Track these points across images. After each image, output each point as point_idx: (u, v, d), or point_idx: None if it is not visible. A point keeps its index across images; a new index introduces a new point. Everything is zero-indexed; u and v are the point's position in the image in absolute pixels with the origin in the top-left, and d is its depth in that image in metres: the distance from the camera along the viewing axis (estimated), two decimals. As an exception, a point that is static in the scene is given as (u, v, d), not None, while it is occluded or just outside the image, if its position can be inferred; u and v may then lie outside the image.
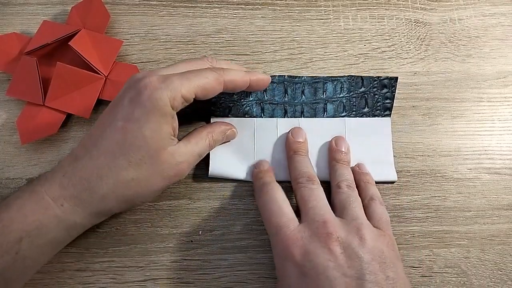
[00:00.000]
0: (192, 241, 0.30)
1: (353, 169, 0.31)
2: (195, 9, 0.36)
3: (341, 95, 0.32)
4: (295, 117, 0.32)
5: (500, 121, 0.34)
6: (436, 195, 0.32)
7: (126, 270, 0.29)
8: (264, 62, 0.35)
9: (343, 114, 0.32)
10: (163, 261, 0.29)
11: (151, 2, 0.36)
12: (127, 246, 0.30)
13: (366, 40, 0.36)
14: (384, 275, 0.23)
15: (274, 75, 0.32)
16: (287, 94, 0.32)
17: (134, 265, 0.29)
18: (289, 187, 0.30)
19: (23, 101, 0.33)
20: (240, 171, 0.31)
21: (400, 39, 0.36)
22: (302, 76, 0.32)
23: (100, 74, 0.32)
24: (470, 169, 0.32)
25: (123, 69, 0.33)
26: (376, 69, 0.35)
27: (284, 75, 0.32)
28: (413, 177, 0.32)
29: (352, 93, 0.32)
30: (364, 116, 0.32)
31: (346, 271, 0.22)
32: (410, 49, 0.36)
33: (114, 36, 0.35)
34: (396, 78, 0.32)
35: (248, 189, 0.31)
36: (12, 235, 0.23)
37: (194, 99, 0.25)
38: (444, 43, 0.36)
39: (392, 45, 0.36)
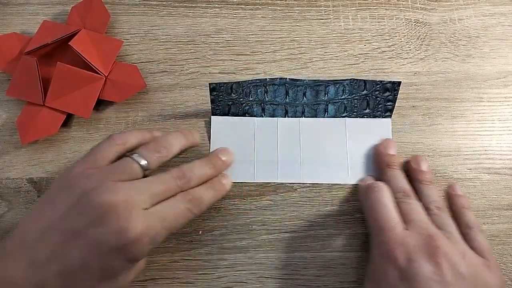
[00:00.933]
0: (192, 241, 0.30)
1: (447, 192, 0.31)
2: (195, 9, 0.36)
3: (343, 97, 0.32)
4: (296, 117, 0.32)
5: (500, 121, 0.34)
6: (436, 195, 0.32)
7: (126, 270, 0.29)
8: (264, 62, 0.35)
9: (344, 115, 0.32)
10: (163, 261, 0.29)
11: (151, 2, 0.36)
12: (127, 246, 0.30)
13: (366, 40, 0.36)
14: None
15: (275, 78, 0.32)
16: (288, 96, 0.32)
17: (134, 265, 0.29)
18: (290, 188, 0.30)
19: (23, 101, 0.33)
20: (240, 171, 0.31)
21: (400, 39, 0.36)
22: (304, 80, 0.32)
23: (100, 74, 0.32)
24: (470, 169, 0.32)
25: (123, 69, 0.33)
26: (376, 69, 0.35)
27: (286, 78, 0.32)
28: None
29: (354, 95, 0.32)
30: (365, 116, 0.32)
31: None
32: (410, 49, 0.36)
33: (114, 36, 0.35)
34: (399, 83, 0.32)
35: (248, 189, 0.31)
36: None
37: None
38: (444, 43, 0.36)
39: (392, 45, 0.36)
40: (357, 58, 0.35)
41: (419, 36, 0.36)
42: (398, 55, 0.35)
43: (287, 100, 0.32)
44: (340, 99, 0.32)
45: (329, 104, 0.32)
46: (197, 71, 0.34)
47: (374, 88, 0.32)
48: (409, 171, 0.31)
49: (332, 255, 0.30)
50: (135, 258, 0.23)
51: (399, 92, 0.34)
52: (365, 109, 0.32)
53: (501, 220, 0.31)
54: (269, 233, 0.30)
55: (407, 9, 0.37)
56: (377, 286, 0.24)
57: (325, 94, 0.32)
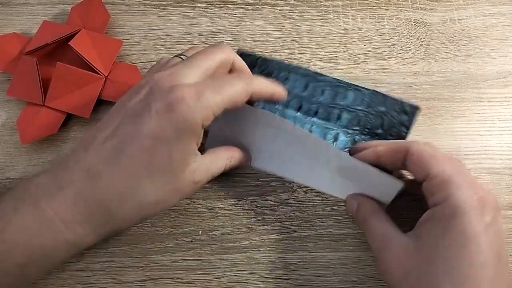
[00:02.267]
0: (192, 241, 0.30)
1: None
2: (195, 9, 0.36)
3: (360, 108, 0.31)
4: (308, 115, 0.31)
5: (500, 121, 0.34)
6: (436, 195, 0.32)
7: (126, 270, 0.29)
8: (264, 62, 0.35)
9: (355, 128, 0.31)
10: (163, 261, 0.29)
11: (151, 2, 0.36)
12: (127, 246, 0.30)
13: (366, 40, 0.36)
14: None
15: (301, 67, 0.31)
16: (307, 89, 0.31)
17: (134, 265, 0.29)
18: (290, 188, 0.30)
19: (23, 101, 0.33)
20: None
21: (400, 39, 0.36)
22: (327, 76, 0.31)
23: (100, 74, 0.32)
24: (470, 169, 0.32)
25: (123, 69, 0.33)
26: (376, 69, 0.35)
27: (311, 70, 0.31)
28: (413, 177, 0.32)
29: (371, 108, 0.31)
30: (376, 137, 0.30)
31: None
32: (410, 49, 0.36)
33: (114, 36, 0.35)
34: (418, 108, 0.30)
35: (248, 189, 0.31)
36: (16, 260, 0.21)
37: None
38: (444, 43, 0.36)
39: (392, 45, 0.36)
40: (357, 58, 0.35)
41: (419, 36, 0.36)
42: (398, 55, 0.35)
43: (304, 93, 0.31)
44: (357, 109, 0.31)
45: (344, 112, 0.31)
46: (197, 71, 0.34)
47: (393, 107, 0.30)
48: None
49: (332, 255, 0.30)
50: (185, 123, 0.22)
51: (399, 92, 0.34)
52: (378, 129, 0.31)
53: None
54: (269, 233, 0.30)
55: (407, 9, 0.37)
56: (454, 226, 0.22)
57: (343, 98, 0.31)
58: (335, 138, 0.31)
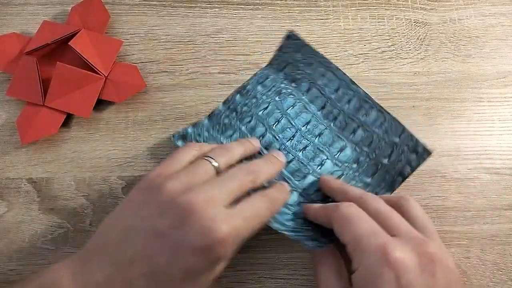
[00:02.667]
0: (192, 241, 0.30)
1: (324, 186, 0.30)
2: (195, 9, 0.36)
3: (376, 130, 0.31)
4: (327, 118, 0.32)
5: (500, 121, 0.34)
6: (436, 195, 0.32)
7: (126, 270, 0.29)
8: (264, 62, 0.35)
9: (365, 149, 0.31)
10: (163, 261, 0.29)
11: (151, 2, 0.36)
12: (127, 246, 0.30)
13: (366, 40, 0.36)
14: None
15: (340, 70, 0.32)
16: (336, 93, 0.32)
17: (134, 265, 0.29)
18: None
19: (23, 101, 0.33)
20: None
21: (400, 39, 0.36)
22: (360, 88, 0.31)
23: (100, 74, 0.32)
24: (470, 169, 0.32)
25: (123, 69, 0.33)
26: (376, 69, 0.35)
27: (348, 76, 0.32)
28: (413, 177, 0.32)
29: (386, 135, 0.31)
30: (379, 168, 0.30)
31: None
32: (410, 49, 0.36)
33: (114, 36, 0.35)
34: (430, 152, 0.29)
35: (248, 189, 0.31)
36: None
37: None
38: (444, 43, 0.36)
39: (392, 45, 0.36)
40: (357, 58, 0.35)
41: (419, 36, 0.36)
42: (398, 55, 0.35)
43: (332, 95, 0.32)
44: (374, 130, 0.31)
45: (360, 128, 0.31)
46: (197, 71, 0.34)
47: (406, 142, 0.30)
48: (324, 187, 0.29)
49: (332, 255, 0.30)
50: (219, 259, 0.22)
51: (399, 92, 0.34)
52: (385, 158, 0.30)
53: (501, 220, 0.31)
54: (269, 233, 0.30)
55: (407, 9, 0.37)
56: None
57: (365, 114, 0.31)
58: (341, 150, 0.31)
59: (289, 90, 0.32)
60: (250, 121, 0.31)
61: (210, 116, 0.32)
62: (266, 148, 0.31)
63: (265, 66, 0.33)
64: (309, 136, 0.31)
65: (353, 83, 0.32)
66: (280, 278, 0.29)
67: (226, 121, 0.31)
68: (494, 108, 0.34)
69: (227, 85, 0.34)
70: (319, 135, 0.31)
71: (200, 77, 0.34)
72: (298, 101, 0.32)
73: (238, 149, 0.28)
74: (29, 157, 0.32)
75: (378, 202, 0.25)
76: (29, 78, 0.31)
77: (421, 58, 0.35)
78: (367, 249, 0.22)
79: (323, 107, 0.32)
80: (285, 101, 0.32)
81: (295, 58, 0.31)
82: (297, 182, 0.30)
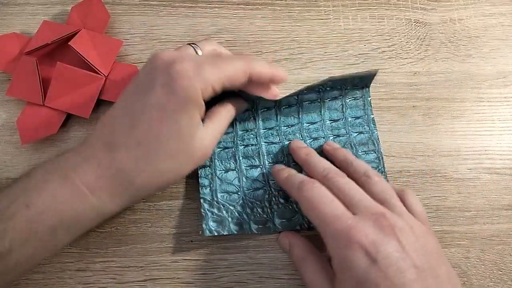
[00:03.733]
0: (192, 241, 0.30)
1: (326, 150, 0.31)
2: (195, 9, 0.36)
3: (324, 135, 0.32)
4: (331, 132, 0.32)
5: (500, 121, 0.34)
6: (436, 195, 0.32)
7: (126, 270, 0.29)
8: (264, 62, 0.35)
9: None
10: (163, 261, 0.29)
11: (151, 2, 0.36)
12: (127, 246, 0.30)
13: (366, 40, 0.36)
14: (441, 270, 0.23)
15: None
16: (356, 120, 0.33)
17: (134, 265, 0.29)
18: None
19: (23, 101, 0.33)
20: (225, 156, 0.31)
21: (400, 39, 0.36)
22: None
23: (100, 74, 0.32)
24: (470, 169, 0.32)
25: (123, 69, 0.33)
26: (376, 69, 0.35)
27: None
28: (413, 177, 0.32)
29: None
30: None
31: (414, 262, 0.22)
32: (410, 49, 0.36)
33: (114, 36, 0.35)
34: (376, 71, 0.31)
35: (248, 189, 0.31)
36: (47, 223, 0.23)
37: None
38: (444, 43, 0.36)
39: (392, 45, 0.36)
40: (357, 58, 0.35)
41: (419, 36, 0.36)
42: (398, 55, 0.35)
43: (349, 119, 0.33)
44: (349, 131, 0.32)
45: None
46: (197, 71, 0.34)
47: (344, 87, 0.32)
48: (328, 154, 0.30)
49: (332, 255, 0.30)
50: (187, 94, 0.24)
51: (399, 92, 0.34)
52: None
53: (501, 220, 0.31)
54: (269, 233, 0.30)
55: (407, 9, 0.37)
56: (347, 279, 0.22)
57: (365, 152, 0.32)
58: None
59: (317, 90, 0.32)
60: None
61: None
62: (263, 121, 0.32)
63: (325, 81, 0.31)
64: (305, 134, 0.32)
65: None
66: (280, 278, 0.29)
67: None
68: (494, 108, 0.34)
69: (227, 85, 0.34)
70: (315, 139, 0.32)
71: (200, 77, 0.34)
72: (318, 100, 0.32)
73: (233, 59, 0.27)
74: (29, 157, 0.32)
75: (340, 178, 0.26)
76: (29, 78, 0.31)
77: (421, 58, 0.35)
78: (334, 234, 0.23)
79: (336, 120, 0.32)
80: (307, 94, 0.32)
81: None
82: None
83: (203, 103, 0.25)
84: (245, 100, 0.30)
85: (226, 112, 0.28)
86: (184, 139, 0.25)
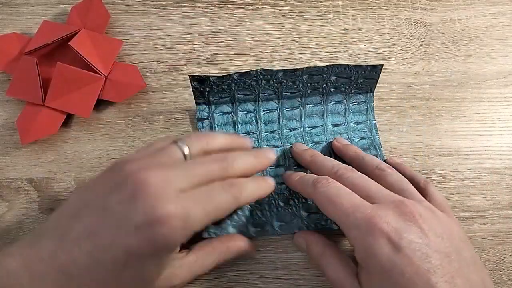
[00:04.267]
0: (192, 241, 0.30)
1: (335, 147, 0.31)
2: (195, 9, 0.36)
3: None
4: (333, 136, 0.32)
5: (500, 121, 0.34)
6: (436, 195, 0.32)
7: (126, 270, 0.29)
8: (264, 62, 0.35)
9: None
10: (163, 261, 0.29)
11: (151, 2, 0.36)
12: (127, 246, 0.30)
13: (366, 40, 0.36)
14: (466, 254, 0.22)
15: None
16: (359, 125, 0.33)
17: (134, 265, 0.29)
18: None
19: (23, 101, 0.33)
20: None
21: (400, 39, 0.36)
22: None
23: (100, 74, 0.32)
24: (470, 169, 0.32)
25: (123, 69, 0.33)
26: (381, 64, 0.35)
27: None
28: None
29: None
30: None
31: (438, 247, 0.22)
32: (410, 49, 0.36)
33: (114, 36, 0.35)
34: (381, 65, 0.31)
35: (248, 189, 0.31)
36: None
37: None
38: (444, 43, 0.36)
39: (392, 45, 0.36)
40: (357, 58, 0.35)
41: (419, 36, 0.36)
42: (398, 55, 0.35)
43: (352, 124, 0.33)
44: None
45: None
46: (197, 71, 0.34)
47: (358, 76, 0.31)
48: (338, 152, 0.30)
49: (332, 255, 0.30)
50: (164, 245, 0.20)
51: (400, 92, 0.34)
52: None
53: (501, 220, 0.31)
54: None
55: (407, 9, 0.37)
56: (371, 267, 0.22)
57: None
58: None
59: (321, 91, 0.32)
60: (270, 94, 0.31)
61: (242, 74, 0.30)
62: (265, 123, 0.32)
63: (328, 65, 0.31)
64: (307, 138, 0.32)
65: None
66: (280, 278, 0.29)
67: (253, 83, 0.31)
68: (494, 108, 0.34)
69: (227, 85, 0.34)
70: (316, 143, 0.32)
71: (200, 77, 0.34)
72: (321, 103, 0.32)
73: (220, 138, 0.25)
74: (29, 157, 0.32)
75: (352, 173, 0.26)
76: (29, 78, 0.31)
77: (421, 58, 0.35)
78: (355, 224, 0.23)
79: (338, 125, 0.32)
80: (311, 97, 0.32)
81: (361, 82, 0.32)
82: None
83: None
84: None
85: (217, 255, 0.26)
86: (145, 284, 0.22)
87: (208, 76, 0.30)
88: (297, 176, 0.28)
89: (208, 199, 0.22)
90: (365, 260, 0.23)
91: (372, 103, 0.33)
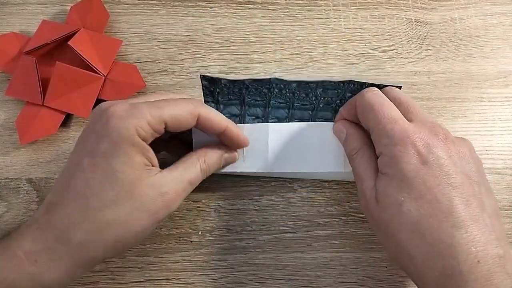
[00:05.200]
0: (191, 241, 0.30)
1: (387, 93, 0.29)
2: (195, 8, 0.36)
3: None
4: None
5: (501, 121, 0.33)
6: (436, 195, 0.31)
7: (125, 271, 0.29)
8: (264, 62, 0.35)
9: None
10: (163, 262, 0.29)
11: (150, 2, 0.36)
12: (126, 246, 0.30)
13: (366, 40, 0.36)
14: (486, 185, 0.24)
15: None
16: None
17: (134, 266, 0.29)
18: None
19: (22, 101, 0.33)
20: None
21: (401, 38, 0.36)
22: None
23: (100, 74, 0.32)
24: (471, 169, 0.32)
25: (122, 68, 0.33)
26: (376, 69, 0.35)
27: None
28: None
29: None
30: None
31: (464, 169, 0.23)
32: (410, 49, 0.35)
33: (114, 36, 0.35)
34: (400, 86, 0.29)
35: (248, 189, 0.31)
36: None
37: (165, 129, 0.23)
38: (445, 42, 0.36)
39: (392, 44, 0.36)
40: (358, 58, 0.35)
41: (419, 36, 0.36)
42: (398, 54, 0.35)
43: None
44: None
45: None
46: (197, 71, 0.34)
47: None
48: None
49: (332, 255, 0.30)
50: (119, 133, 0.22)
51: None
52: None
53: (502, 220, 0.31)
54: (269, 234, 0.30)
55: (408, 8, 0.37)
56: (393, 173, 0.23)
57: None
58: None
59: (334, 107, 0.30)
60: (281, 103, 0.30)
61: (254, 80, 0.29)
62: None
63: (345, 81, 0.29)
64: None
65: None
66: (280, 279, 0.29)
67: (265, 90, 0.30)
68: (495, 108, 0.34)
69: (227, 84, 0.34)
70: None
71: (199, 77, 0.34)
72: (332, 120, 0.30)
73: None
74: (28, 157, 0.32)
75: (398, 92, 0.27)
76: (28, 78, 0.31)
77: (422, 58, 0.35)
78: (390, 134, 0.23)
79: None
80: (323, 111, 0.30)
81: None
82: None
83: (144, 144, 0.23)
84: None
85: (196, 159, 0.25)
86: (122, 184, 0.22)
87: (220, 78, 0.29)
88: (343, 109, 0.28)
89: (163, 101, 0.24)
90: (389, 166, 0.23)
91: None
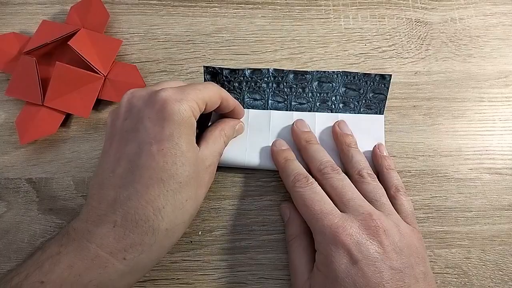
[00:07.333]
0: (191, 241, 0.30)
1: (374, 152, 0.31)
2: (195, 8, 0.36)
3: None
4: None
5: (501, 121, 0.33)
6: (437, 195, 0.31)
7: (125, 271, 0.29)
8: (264, 62, 0.34)
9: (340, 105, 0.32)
10: (163, 262, 0.29)
11: (150, 2, 0.36)
12: (126, 246, 0.30)
13: (366, 40, 0.36)
14: (419, 269, 0.24)
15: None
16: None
17: (134, 266, 0.29)
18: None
19: (22, 101, 0.33)
20: (232, 153, 0.31)
21: (401, 38, 0.36)
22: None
23: (100, 74, 0.32)
24: (471, 169, 0.32)
25: (122, 68, 0.33)
26: (376, 69, 0.35)
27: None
28: (414, 177, 0.32)
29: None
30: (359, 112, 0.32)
31: (392, 263, 0.23)
32: (411, 49, 0.35)
33: (114, 36, 0.35)
34: (390, 75, 0.32)
35: (248, 189, 0.31)
36: None
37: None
38: (445, 42, 0.36)
39: (392, 44, 0.35)
40: (358, 58, 0.35)
41: (419, 36, 0.36)
42: (398, 54, 0.35)
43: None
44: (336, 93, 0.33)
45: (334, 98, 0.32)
46: (197, 71, 0.34)
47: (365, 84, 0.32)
48: (335, 136, 0.31)
49: (333, 255, 0.29)
50: (179, 115, 0.23)
51: (400, 92, 0.34)
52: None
53: (502, 220, 0.31)
54: (269, 234, 0.30)
55: (408, 8, 0.37)
56: (327, 273, 0.24)
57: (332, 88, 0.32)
58: None
59: (330, 106, 0.32)
60: (279, 102, 0.32)
61: (254, 70, 0.32)
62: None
63: (338, 71, 0.32)
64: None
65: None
66: (280, 279, 0.29)
67: (264, 85, 0.32)
68: (495, 108, 0.34)
69: (227, 84, 0.34)
70: None
71: (199, 77, 0.34)
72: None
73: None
74: (28, 157, 0.32)
75: (335, 175, 0.27)
76: (28, 78, 0.31)
77: (422, 58, 0.35)
78: (321, 230, 0.25)
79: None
80: (320, 111, 0.32)
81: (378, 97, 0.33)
82: None
83: (195, 122, 0.25)
84: None
85: (218, 132, 0.28)
86: (190, 163, 0.24)
87: (222, 69, 0.31)
88: (283, 158, 0.29)
89: (197, 84, 0.26)
90: (323, 265, 0.24)
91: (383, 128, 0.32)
